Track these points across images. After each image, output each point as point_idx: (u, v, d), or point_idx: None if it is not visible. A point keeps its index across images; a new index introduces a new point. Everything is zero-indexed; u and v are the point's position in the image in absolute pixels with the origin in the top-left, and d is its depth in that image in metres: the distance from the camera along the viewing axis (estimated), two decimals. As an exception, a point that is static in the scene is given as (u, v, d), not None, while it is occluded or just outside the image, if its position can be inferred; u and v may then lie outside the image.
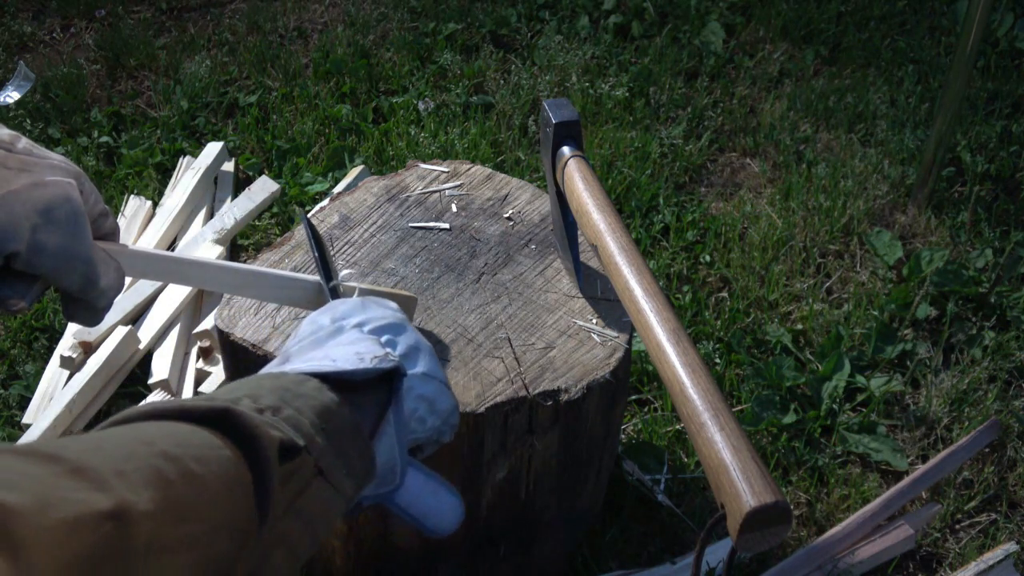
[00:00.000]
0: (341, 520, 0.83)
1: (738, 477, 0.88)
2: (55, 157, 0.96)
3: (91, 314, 1.01)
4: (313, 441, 0.78)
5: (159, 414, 0.72)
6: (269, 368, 0.93)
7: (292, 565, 0.77)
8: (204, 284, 1.19)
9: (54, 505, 0.54)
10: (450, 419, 1.04)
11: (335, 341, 0.97)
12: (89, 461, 0.59)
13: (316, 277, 1.22)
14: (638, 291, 1.12)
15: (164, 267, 1.12)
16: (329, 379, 0.88)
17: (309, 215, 1.54)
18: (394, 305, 1.06)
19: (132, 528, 0.58)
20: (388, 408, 0.94)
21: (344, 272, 1.31)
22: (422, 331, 1.39)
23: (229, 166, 2.60)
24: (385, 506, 1.00)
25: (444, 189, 1.62)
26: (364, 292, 1.23)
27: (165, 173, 2.62)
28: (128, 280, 2.31)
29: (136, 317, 2.16)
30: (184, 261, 1.15)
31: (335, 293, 1.20)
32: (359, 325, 0.99)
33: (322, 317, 1.01)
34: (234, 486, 0.69)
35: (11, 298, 0.95)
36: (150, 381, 2.02)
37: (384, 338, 0.99)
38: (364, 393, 0.93)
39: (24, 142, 0.94)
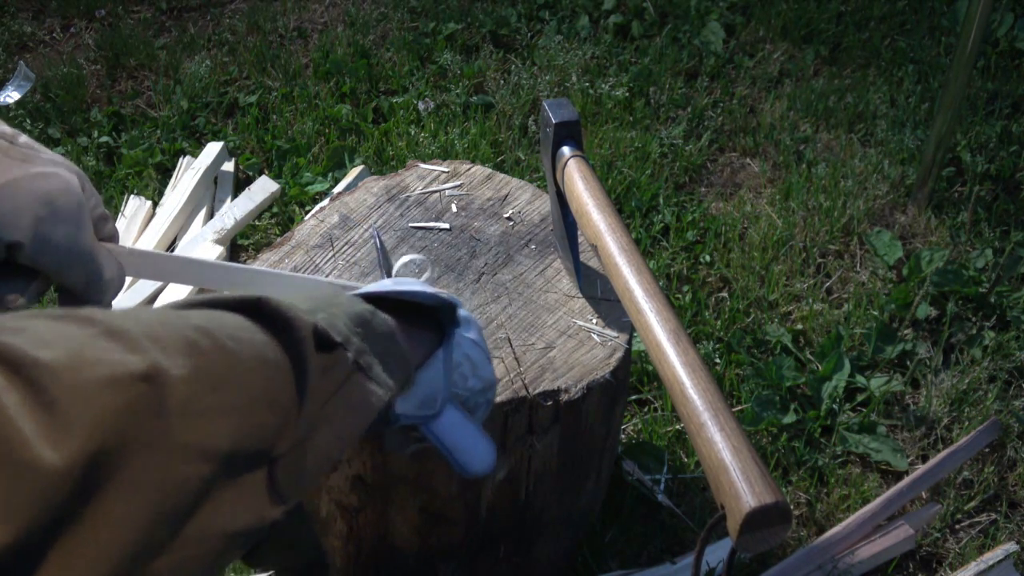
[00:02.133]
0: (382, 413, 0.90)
1: (738, 477, 0.88)
2: (56, 155, 0.96)
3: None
4: (349, 340, 0.80)
5: (194, 304, 0.73)
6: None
7: (337, 447, 0.77)
8: (205, 283, 1.19)
9: (88, 363, 0.55)
10: (488, 392, 1.09)
11: (401, 281, 1.05)
12: (124, 325, 0.60)
13: (316, 277, 1.23)
14: (638, 291, 1.12)
15: (164, 267, 1.12)
16: (388, 307, 0.93)
17: (309, 215, 1.54)
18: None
19: (166, 390, 0.58)
20: (440, 346, 1.01)
21: (408, 258, 1.45)
22: None
23: (229, 166, 2.60)
24: (421, 432, 1.05)
25: (444, 189, 1.62)
26: None
27: (165, 173, 2.62)
28: (128, 280, 2.30)
29: (136, 317, 2.16)
30: (184, 260, 1.15)
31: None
32: (418, 286, 1.06)
33: (385, 281, 1.08)
34: (270, 366, 0.69)
35: (9, 294, 0.94)
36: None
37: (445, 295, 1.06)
38: (417, 328, 0.99)
39: (25, 138, 0.94)
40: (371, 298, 0.95)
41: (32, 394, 0.51)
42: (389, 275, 1.31)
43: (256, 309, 0.73)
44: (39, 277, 0.95)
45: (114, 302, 1.04)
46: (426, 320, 1.02)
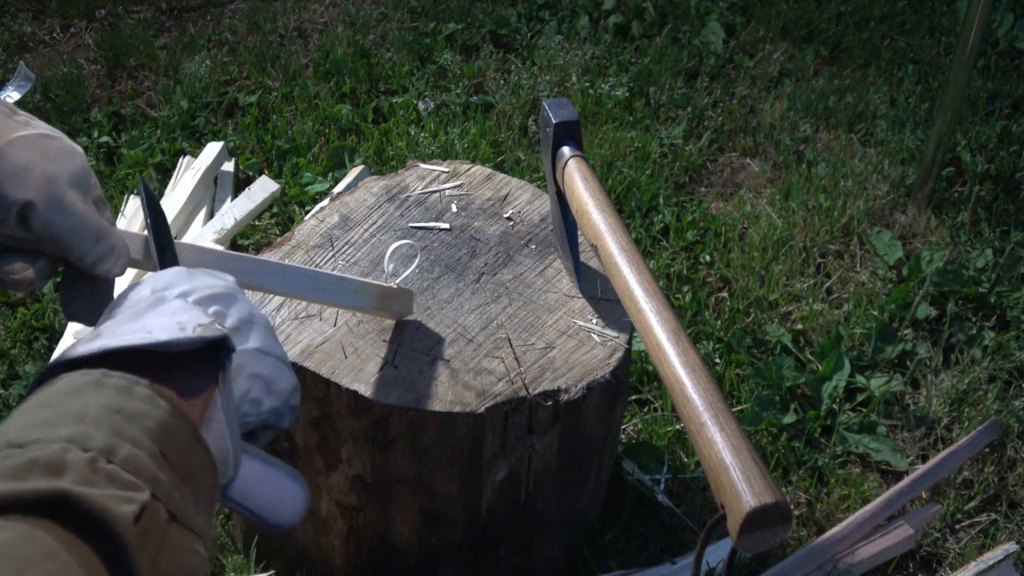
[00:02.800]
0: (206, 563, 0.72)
1: (738, 477, 0.88)
2: (56, 130, 0.95)
3: (94, 300, 0.96)
4: (158, 482, 0.67)
5: None
6: (82, 346, 0.78)
7: None
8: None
9: None
10: (291, 400, 0.92)
11: (155, 312, 0.83)
12: None
13: (329, 272, 1.22)
14: (638, 291, 1.12)
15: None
16: (150, 358, 0.77)
17: (309, 215, 1.53)
18: (229, 276, 0.93)
19: None
20: (216, 391, 0.81)
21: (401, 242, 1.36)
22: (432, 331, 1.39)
23: (229, 166, 2.60)
24: (221, 502, 0.86)
25: (444, 189, 1.62)
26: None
27: (165, 173, 2.62)
28: (128, 281, 2.30)
29: (136, 317, 2.16)
30: (183, 246, 1.10)
31: (165, 262, 1.02)
32: (183, 295, 0.86)
33: (142, 288, 0.88)
34: None
35: (16, 263, 0.89)
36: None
37: (212, 309, 0.86)
38: (190, 370, 0.80)
39: (24, 112, 0.93)
40: (128, 352, 0.77)
41: None
42: (155, 229, 1.02)
43: (57, 511, 0.59)
44: (45, 256, 0.92)
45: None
46: (195, 352, 0.81)
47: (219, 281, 0.90)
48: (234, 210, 2.40)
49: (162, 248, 1.02)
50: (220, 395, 0.81)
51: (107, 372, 0.73)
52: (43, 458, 0.62)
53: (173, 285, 0.87)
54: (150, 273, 0.95)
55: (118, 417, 0.69)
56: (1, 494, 0.59)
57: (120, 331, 0.80)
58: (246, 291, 1.05)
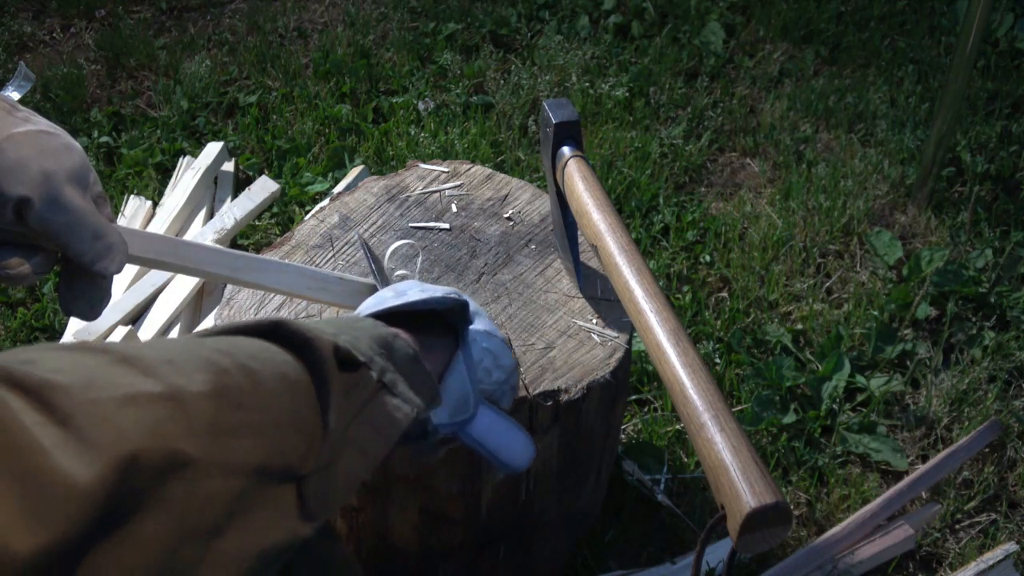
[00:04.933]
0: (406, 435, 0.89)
1: (738, 477, 0.88)
2: (57, 126, 0.95)
3: (92, 296, 0.96)
4: (373, 360, 0.79)
5: (209, 332, 0.73)
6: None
7: (364, 465, 0.77)
8: (201, 265, 1.11)
9: (100, 385, 0.54)
10: (511, 379, 1.09)
11: (401, 297, 1.01)
12: (138, 352, 0.59)
13: (320, 270, 1.23)
14: (638, 291, 1.12)
15: (161, 247, 1.06)
16: (399, 321, 0.92)
17: (309, 215, 1.54)
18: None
19: (189, 407, 0.57)
20: (458, 349, 1.00)
21: (398, 275, 1.42)
22: None
23: (229, 166, 2.60)
24: (460, 439, 1.04)
25: (444, 189, 1.62)
26: None
27: (165, 173, 2.62)
28: (127, 281, 2.30)
29: (136, 317, 2.16)
30: (182, 243, 1.10)
31: (385, 282, 1.29)
32: (421, 291, 1.03)
33: (385, 291, 1.06)
34: (292, 385, 0.69)
35: (13, 258, 0.90)
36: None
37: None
38: (432, 335, 0.97)
39: (24, 109, 0.93)
40: (381, 315, 0.94)
41: (48, 412, 0.51)
42: (383, 279, 1.30)
43: (273, 331, 0.73)
44: (43, 251, 0.92)
45: (111, 302, 1.02)
46: (438, 324, 1.02)
47: (447, 287, 1.08)
48: (234, 210, 2.40)
49: (384, 278, 1.29)
50: (462, 352, 1.00)
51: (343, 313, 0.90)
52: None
53: (410, 288, 1.05)
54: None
55: (344, 325, 0.82)
56: (226, 325, 0.74)
57: (372, 308, 0.98)
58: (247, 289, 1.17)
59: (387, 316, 0.95)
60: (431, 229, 1.55)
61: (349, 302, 1.27)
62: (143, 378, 0.56)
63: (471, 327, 1.04)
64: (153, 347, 0.61)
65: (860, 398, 2.06)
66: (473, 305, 1.07)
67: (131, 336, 2.05)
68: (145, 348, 0.60)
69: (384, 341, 0.84)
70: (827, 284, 2.33)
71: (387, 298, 1.02)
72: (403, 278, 1.41)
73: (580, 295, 1.45)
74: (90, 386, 0.53)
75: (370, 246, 1.37)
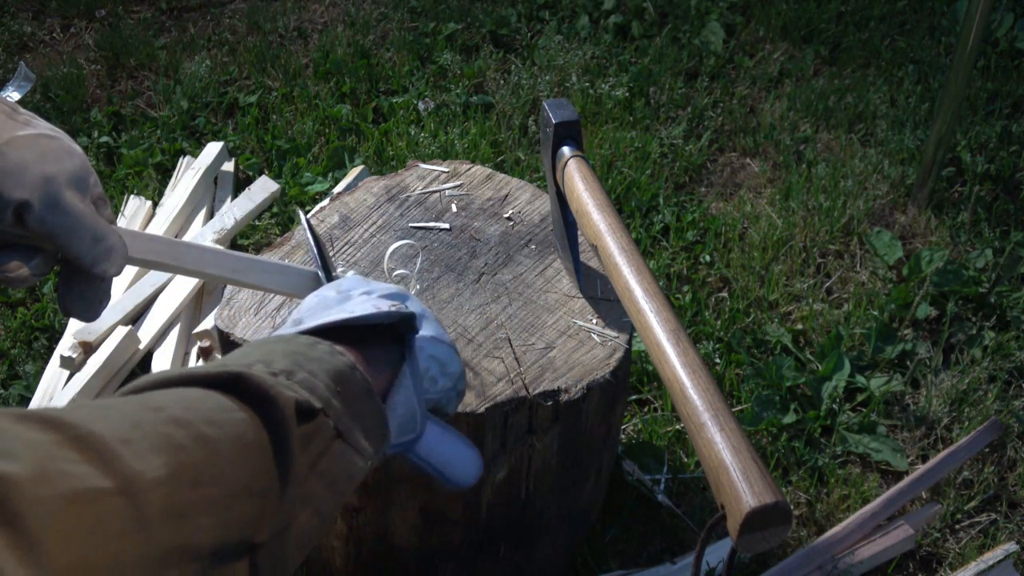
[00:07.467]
0: (361, 479, 0.85)
1: (738, 477, 0.88)
2: (58, 129, 0.95)
3: (91, 297, 0.96)
4: (330, 404, 0.78)
5: (168, 382, 0.71)
6: (283, 329, 0.93)
7: (319, 525, 0.76)
8: (200, 266, 1.12)
9: (52, 478, 0.52)
10: (458, 384, 1.06)
11: (347, 304, 0.99)
12: (93, 427, 0.57)
13: (313, 268, 1.22)
14: (638, 291, 1.12)
15: (159, 248, 1.06)
16: (343, 334, 0.89)
17: (309, 215, 1.54)
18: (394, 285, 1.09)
19: (143, 497, 0.56)
20: (403, 362, 0.96)
21: (343, 271, 1.34)
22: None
23: (229, 166, 2.60)
24: (407, 458, 1.02)
25: (444, 189, 1.62)
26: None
27: (165, 173, 2.62)
28: (127, 281, 2.30)
29: (136, 317, 2.16)
30: (180, 244, 1.11)
31: (331, 277, 1.22)
32: (367, 293, 1.01)
33: (327, 291, 1.03)
34: (251, 448, 0.67)
35: (12, 261, 0.90)
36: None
37: (392, 302, 1.00)
38: (377, 348, 0.94)
39: (25, 111, 0.93)
40: (323, 330, 0.91)
41: None
42: (326, 272, 1.22)
43: (236, 384, 0.71)
44: (43, 253, 0.92)
45: (111, 302, 1.02)
46: (383, 335, 0.97)
47: (391, 285, 1.05)
48: (234, 210, 2.40)
49: (327, 268, 1.21)
50: (408, 366, 0.96)
51: (296, 334, 0.88)
52: (232, 364, 0.74)
53: (355, 288, 1.02)
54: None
55: (301, 357, 0.81)
56: (185, 374, 0.71)
57: (317, 316, 0.95)
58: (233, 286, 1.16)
59: (328, 332, 0.91)
60: (431, 229, 1.55)
61: (301, 290, 1.23)
62: (94, 470, 0.55)
63: (418, 335, 1.00)
64: (108, 419, 0.59)
65: (860, 398, 2.06)
66: (419, 308, 1.04)
67: (131, 336, 2.05)
68: (100, 422, 0.58)
69: (341, 376, 0.82)
70: (827, 284, 2.33)
71: (330, 302, 0.99)
72: (403, 278, 1.42)
73: (580, 295, 1.45)
74: (40, 479, 0.51)
75: (316, 230, 1.27)
